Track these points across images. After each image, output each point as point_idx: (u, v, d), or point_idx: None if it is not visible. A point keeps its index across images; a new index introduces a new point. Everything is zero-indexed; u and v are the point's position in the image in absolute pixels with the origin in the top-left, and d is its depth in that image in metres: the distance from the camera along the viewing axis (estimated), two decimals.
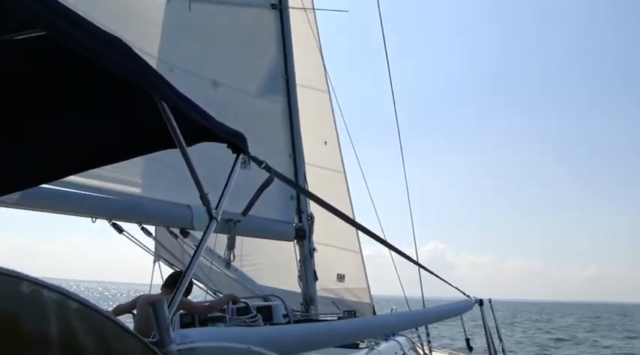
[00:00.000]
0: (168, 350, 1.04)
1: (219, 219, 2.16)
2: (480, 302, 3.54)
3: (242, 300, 4.72)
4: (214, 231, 2.28)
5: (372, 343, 4.15)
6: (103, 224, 4.99)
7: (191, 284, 4.82)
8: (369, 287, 8.47)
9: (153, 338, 1.10)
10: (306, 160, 6.32)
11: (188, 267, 1.95)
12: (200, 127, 2.20)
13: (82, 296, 0.83)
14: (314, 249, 6.24)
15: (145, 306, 4.46)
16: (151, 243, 6.22)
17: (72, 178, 3.92)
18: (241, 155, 2.40)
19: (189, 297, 4.82)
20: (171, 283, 4.68)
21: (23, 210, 4.00)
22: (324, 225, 6.36)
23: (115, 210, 4.54)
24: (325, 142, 8.05)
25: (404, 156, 8.20)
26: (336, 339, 1.93)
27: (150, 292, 5.41)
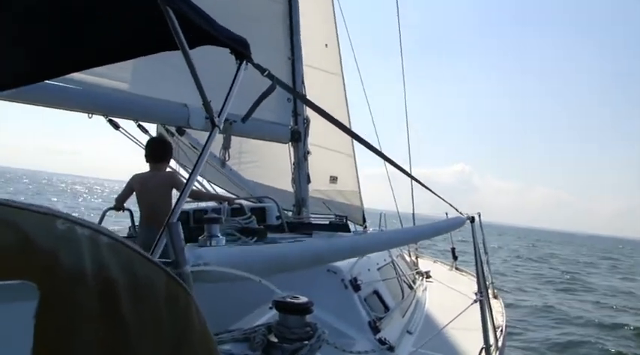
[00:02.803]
0: (182, 271, 1.09)
1: (221, 127, 2.18)
2: (472, 219, 3.63)
3: (236, 202, 4.82)
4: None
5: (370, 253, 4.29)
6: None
7: (171, 150, 4.83)
8: (360, 190, 8.63)
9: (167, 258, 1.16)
10: (305, 62, 6.23)
11: (191, 175, 1.99)
12: (203, 31, 2.16)
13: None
14: (308, 152, 6.31)
15: (154, 187, 4.51)
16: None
17: (71, 75, 3.89)
18: (244, 61, 2.37)
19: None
20: (158, 155, 4.66)
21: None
22: (319, 127, 6.38)
23: (111, 106, 4.50)
24: (326, 45, 7.90)
25: (402, 71, 8.13)
26: (340, 257, 2.02)
27: None
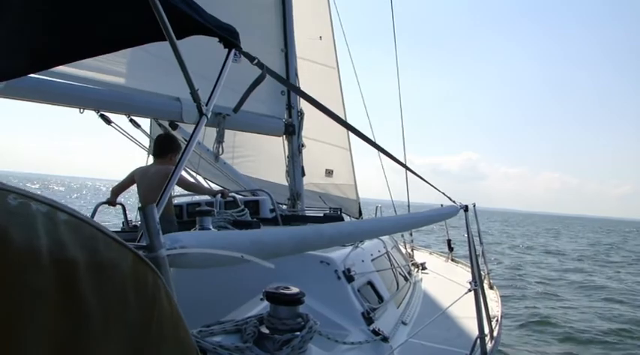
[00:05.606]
0: (157, 255, 1.05)
1: (209, 116, 2.16)
2: (465, 207, 3.61)
3: (230, 194, 4.79)
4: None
5: (357, 241, 4.26)
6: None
7: (172, 145, 4.83)
8: (356, 184, 8.62)
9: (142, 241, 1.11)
10: (300, 55, 6.19)
11: (178, 164, 1.97)
12: (191, 20, 2.14)
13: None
14: (302, 145, 6.28)
15: (151, 177, 4.57)
16: (138, 135, 6.19)
17: (60, 68, 3.84)
18: (233, 50, 2.34)
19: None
20: (157, 150, 4.76)
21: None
22: (315, 120, 6.36)
23: (103, 101, 4.46)
24: (320, 37, 7.87)
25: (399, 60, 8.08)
26: (324, 243, 1.98)
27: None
